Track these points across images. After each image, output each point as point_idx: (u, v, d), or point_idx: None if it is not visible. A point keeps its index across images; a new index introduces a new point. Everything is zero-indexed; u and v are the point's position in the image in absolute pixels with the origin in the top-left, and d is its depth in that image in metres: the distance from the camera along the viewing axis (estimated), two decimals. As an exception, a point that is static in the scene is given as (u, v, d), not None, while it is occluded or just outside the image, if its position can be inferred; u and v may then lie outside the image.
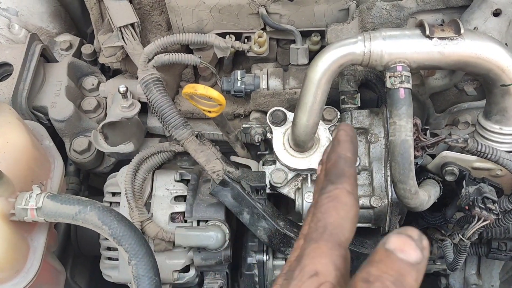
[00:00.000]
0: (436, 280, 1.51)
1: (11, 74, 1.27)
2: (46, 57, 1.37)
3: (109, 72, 1.49)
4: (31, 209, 0.92)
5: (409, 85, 0.89)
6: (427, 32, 0.88)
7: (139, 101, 1.21)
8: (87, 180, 1.49)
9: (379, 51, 0.89)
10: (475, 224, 0.93)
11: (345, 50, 0.90)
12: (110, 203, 1.19)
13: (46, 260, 1.03)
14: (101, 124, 1.10)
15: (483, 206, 0.92)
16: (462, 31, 0.87)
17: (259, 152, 1.24)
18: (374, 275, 0.36)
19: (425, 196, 0.94)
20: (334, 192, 0.45)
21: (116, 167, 1.34)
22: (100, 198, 1.23)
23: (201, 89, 0.89)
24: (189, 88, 0.91)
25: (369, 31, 0.91)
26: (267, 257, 1.19)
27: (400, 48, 0.88)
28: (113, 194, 1.21)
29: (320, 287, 0.39)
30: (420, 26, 0.91)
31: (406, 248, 0.37)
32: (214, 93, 0.89)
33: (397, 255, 0.37)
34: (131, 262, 0.93)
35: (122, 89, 1.09)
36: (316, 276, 0.39)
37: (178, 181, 1.18)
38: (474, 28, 1.01)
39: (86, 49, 1.45)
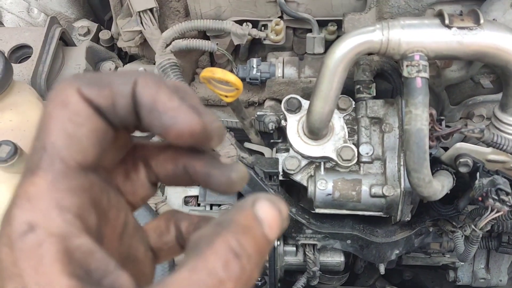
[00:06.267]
0: (444, 273, 1.51)
1: (30, 56, 1.29)
2: (65, 40, 1.39)
3: (125, 59, 1.50)
4: (50, 186, 0.93)
5: (426, 75, 0.89)
6: (446, 22, 0.87)
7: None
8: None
9: (397, 39, 0.89)
10: (488, 215, 0.93)
11: (363, 38, 0.91)
12: (125, 185, 1.21)
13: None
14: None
15: (496, 198, 0.92)
16: (481, 21, 0.87)
17: (272, 140, 1.24)
18: (243, 249, 0.28)
19: (439, 185, 0.95)
20: None
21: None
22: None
23: (219, 73, 0.90)
24: (207, 72, 0.91)
25: (388, 20, 0.91)
26: (278, 242, 1.20)
27: (418, 37, 0.88)
28: (128, 177, 1.23)
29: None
30: (439, 15, 0.91)
31: (274, 225, 0.30)
32: (231, 77, 0.90)
33: (264, 229, 0.30)
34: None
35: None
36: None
37: (192, 166, 1.19)
38: (493, 20, 1.00)
39: (104, 34, 1.47)
